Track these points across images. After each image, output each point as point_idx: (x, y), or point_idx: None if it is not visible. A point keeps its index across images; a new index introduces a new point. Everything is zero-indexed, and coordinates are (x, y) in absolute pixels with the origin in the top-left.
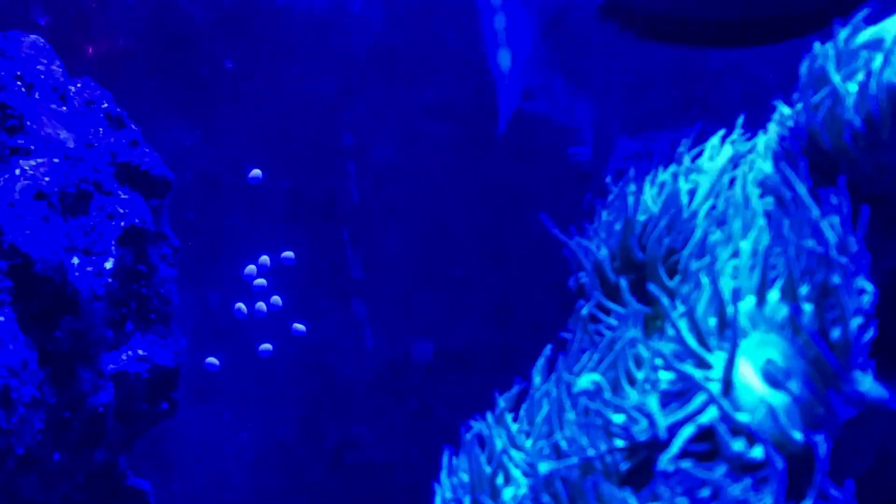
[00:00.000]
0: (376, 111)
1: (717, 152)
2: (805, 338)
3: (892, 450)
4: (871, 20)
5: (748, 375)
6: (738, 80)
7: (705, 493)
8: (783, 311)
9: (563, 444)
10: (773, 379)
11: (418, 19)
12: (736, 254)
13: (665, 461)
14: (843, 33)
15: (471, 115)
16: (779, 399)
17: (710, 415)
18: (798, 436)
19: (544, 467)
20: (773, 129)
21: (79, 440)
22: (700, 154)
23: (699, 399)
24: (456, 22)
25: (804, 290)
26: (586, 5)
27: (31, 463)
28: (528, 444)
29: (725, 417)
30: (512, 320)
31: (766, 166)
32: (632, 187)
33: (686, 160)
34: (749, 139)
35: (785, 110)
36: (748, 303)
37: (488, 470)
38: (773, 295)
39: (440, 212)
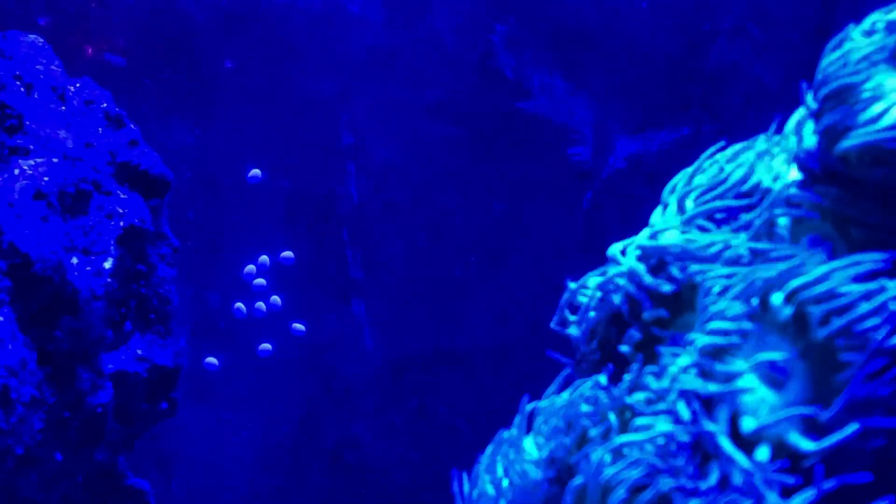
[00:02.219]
0: (376, 111)
1: (740, 159)
2: (808, 339)
3: (892, 451)
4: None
5: (750, 377)
6: (738, 81)
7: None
8: (786, 313)
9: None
10: (774, 380)
11: (418, 19)
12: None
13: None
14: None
15: (471, 115)
16: (780, 400)
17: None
18: (797, 437)
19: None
20: (791, 138)
21: (79, 440)
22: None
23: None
24: (456, 22)
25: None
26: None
27: (31, 463)
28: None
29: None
30: (512, 320)
31: (789, 176)
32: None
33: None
34: (772, 142)
35: (809, 127)
36: (751, 303)
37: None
38: (776, 297)
39: (440, 212)
